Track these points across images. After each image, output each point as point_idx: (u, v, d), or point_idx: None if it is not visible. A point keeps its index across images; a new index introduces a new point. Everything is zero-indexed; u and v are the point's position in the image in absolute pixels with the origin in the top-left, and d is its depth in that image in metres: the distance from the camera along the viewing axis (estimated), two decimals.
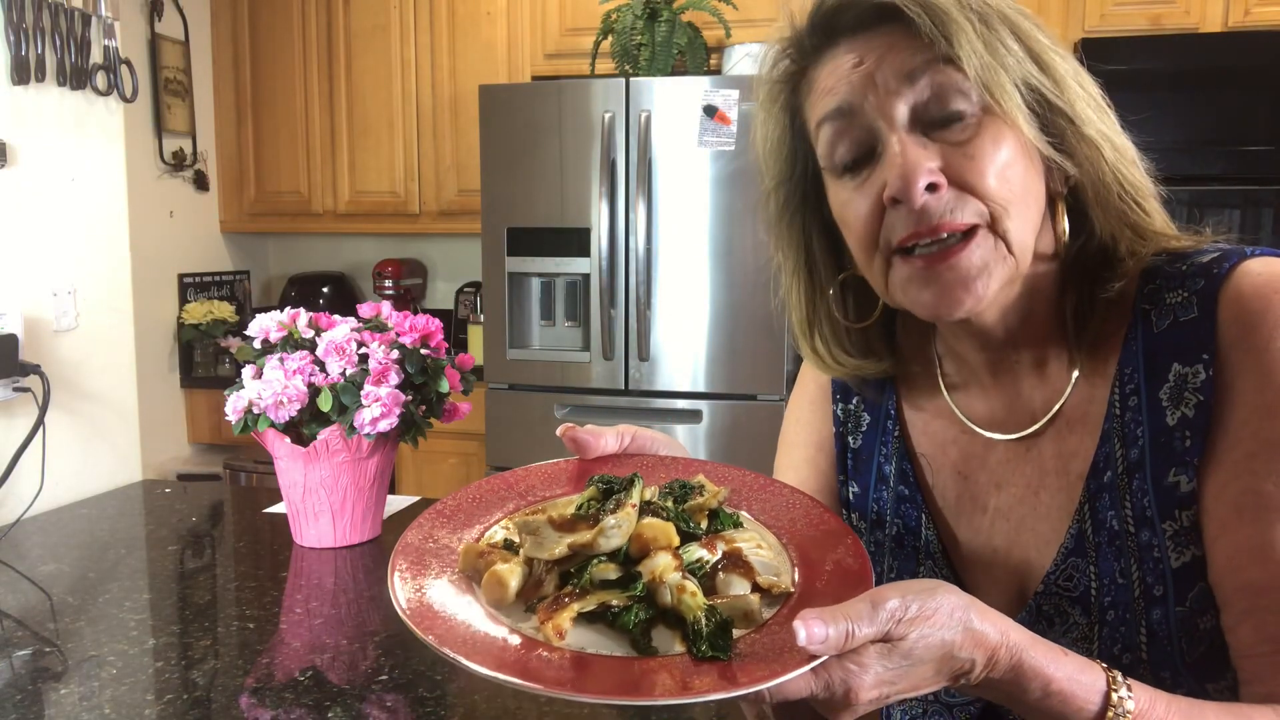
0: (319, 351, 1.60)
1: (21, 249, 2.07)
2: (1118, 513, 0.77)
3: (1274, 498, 0.70)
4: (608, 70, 3.37)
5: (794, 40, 0.82)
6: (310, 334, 1.64)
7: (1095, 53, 3.02)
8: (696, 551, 0.67)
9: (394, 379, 1.59)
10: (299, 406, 1.57)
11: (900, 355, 0.93)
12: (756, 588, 0.66)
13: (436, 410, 1.68)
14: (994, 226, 0.73)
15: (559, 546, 0.65)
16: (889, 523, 0.92)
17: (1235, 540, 0.71)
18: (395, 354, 1.61)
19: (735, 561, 0.67)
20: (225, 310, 3.86)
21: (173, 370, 3.85)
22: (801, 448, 1.01)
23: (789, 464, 1.02)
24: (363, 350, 1.61)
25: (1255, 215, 3.05)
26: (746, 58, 3.25)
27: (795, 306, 0.90)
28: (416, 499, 2.03)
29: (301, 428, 1.61)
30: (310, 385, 1.58)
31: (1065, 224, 0.79)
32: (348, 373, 1.59)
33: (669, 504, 0.72)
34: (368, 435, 1.59)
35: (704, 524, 0.72)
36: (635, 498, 0.69)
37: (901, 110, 0.74)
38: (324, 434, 1.59)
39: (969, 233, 0.73)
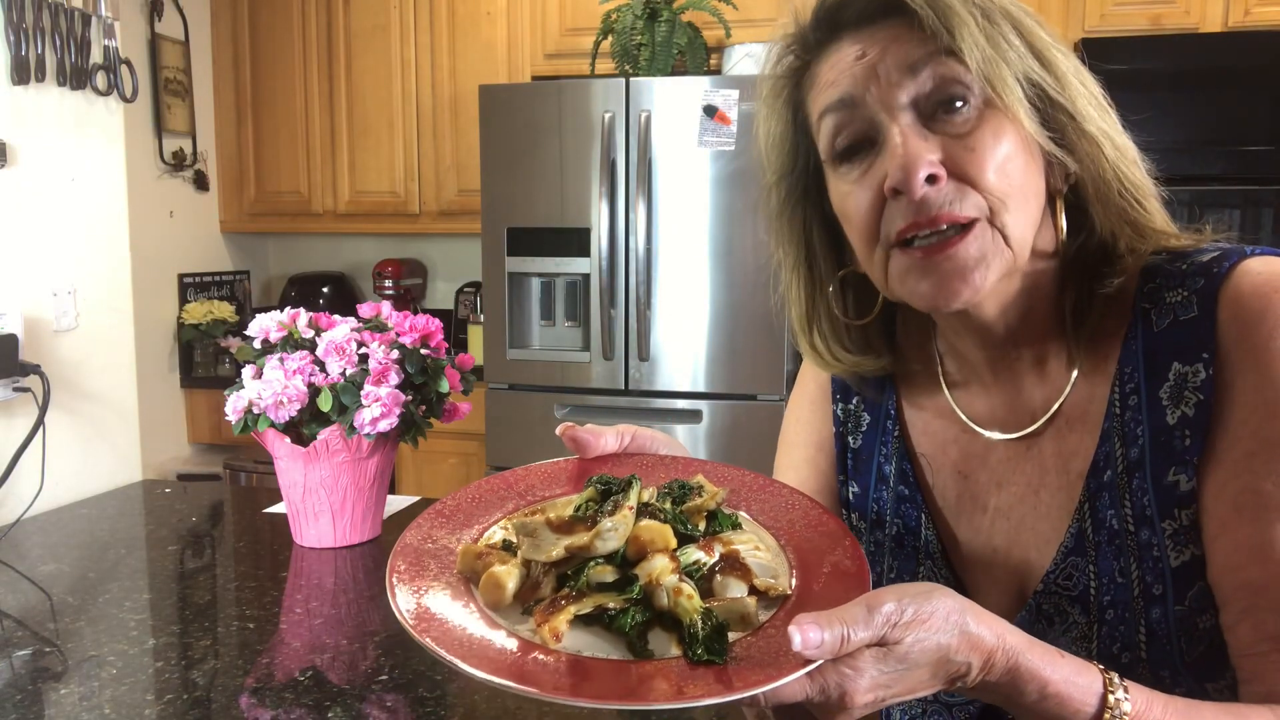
0: (319, 351, 1.60)
1: (21, 249, 2.07)
2: (1117, 512, 0.77)
3: (1273, 497, 0.70)
4: (608, 70, 3.37)
5: (797, 36, 0.82)
6: (310, 334, 1.64)
7: (1095, 53, 3.02)
8: (694, 554, 0.67)
9: (394, 379, 1.59)
10: (299, 406, 1.57)
11: (900, 354, 0.93)
12: (754, 590, 0.66)
13: (436, 410, 1.68)
14: (993, 219, 0.73)
15: (556, 549, 0.65)
16: (889, 523, 0.92)
17: (1234, 539, 0.71)
18: (395, 354, 1.61)
19: (732, 564, 0.67)
20: (225, 310, 3.86)
21: (173, 370, 3.85)
22: (801, 448, 1.01)
23: (789, 464, 1.02)
24: (363, 350, 1.61)
25: (1255, 215, 3.05)
26: (746, 58, 3.25)
27: (795, 302, 0.90)
28: (416, 499, 2.03)
29: (301, 428, 1.61)
30: (310, 385, 1.58)
31: (1064, 221, 0.79)
32: (348, 373, 1.59)
33: (667, 505, 0.72)
34: (368, 435, 1.59)
35: (702, 525, 0.72)
36: (633, 500, 0.68)
37: (903, 102, 0.74)
38: (324, 434, 1.59)
39: (967, 225, 0.73)
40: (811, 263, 0.88)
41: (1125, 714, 0.64)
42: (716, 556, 0.68)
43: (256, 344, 1.65)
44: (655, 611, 0.63)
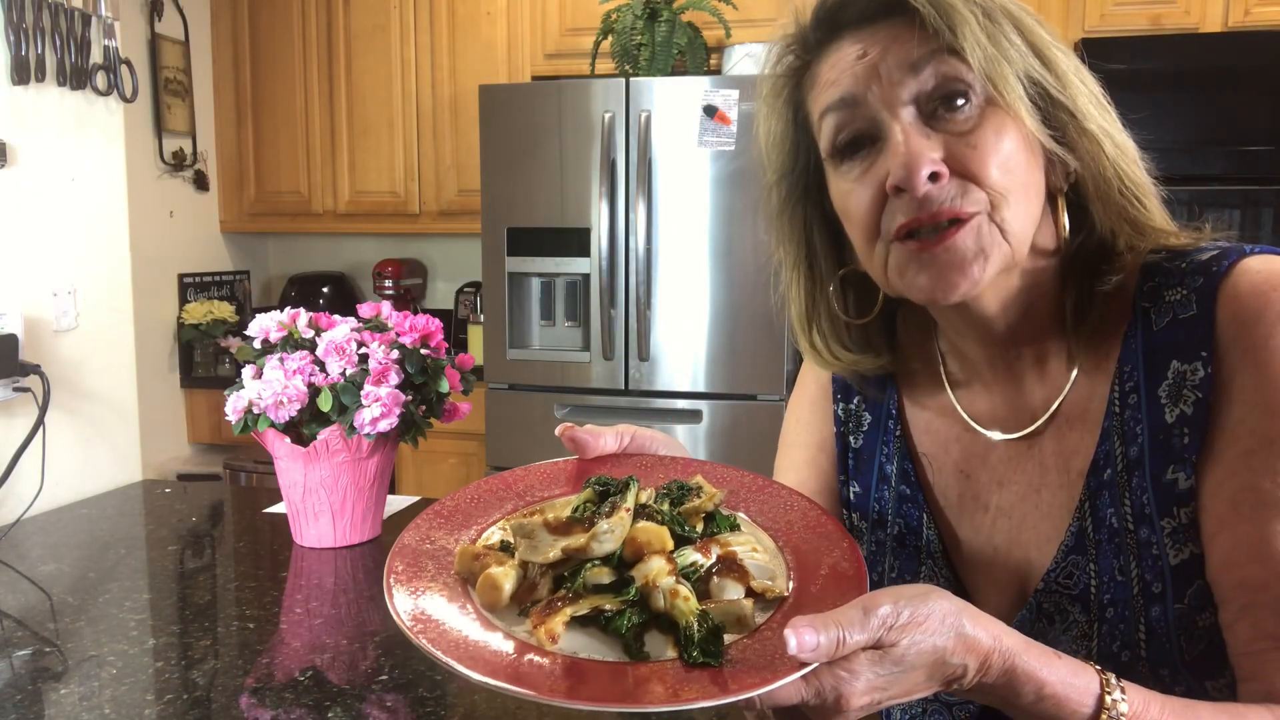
0: (319, 351, 1.60)
1: (21, 249, 2.08)
2: (1117, 510, 0.77)
3: (1271, 495, 0.70)
4: (608, 70, 3.37)
5: (798, 35, 0.82)
6: (310, 334, 1.64)
7: (1095, 52, 3.02)
8: (691, 555, 0.67)
9: (394, 379, 1.59)
10: (299, 406, 1.57)
11: (901, 353, 0.93)
12: (750, 592, 0.66)
13: (436, 410, 1.68)
14: (992, 214, 0.73)
15: (553, 550, 0.65)
16: (890, 522, 0.92)
17: (1233, 537, 0.71)
18: (395, 354, 1.61)
19: (730, 565, 0.67)
20: (225, 310, 3.86)
21: (173, 370, 3.85)
22: (802, 448, 1.01)
23: (789, 464, 1.02)
24: (363, 350, 1.61)
25: (1255, 215, 3.05)
26: (746, 58, 3.25)
27: (795, 301, 0.90)
28: (416, 499, 2.03)
29: (301, 428, 1.61)
30: (310, 385, 1.58)
31: (1066, 219, 0.79)
32: (348, 373, 1.59)
33: (665, 507, 0.72)
34: (368, 435, 1.59)
35: (700, 527, 0.72)
36: (630, 501, 0.68)
37: (905, 100, 0.74)
38: (324, 434, 1.59)
39: (966, 218, 0.73)
40: (812, 261, 0.88)
41: (1122, 714, 0.65)
42: (714, 558, 0.68)
43: (256, 344, 1.65)
44: (652, 613, 0.63)
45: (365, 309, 1.70)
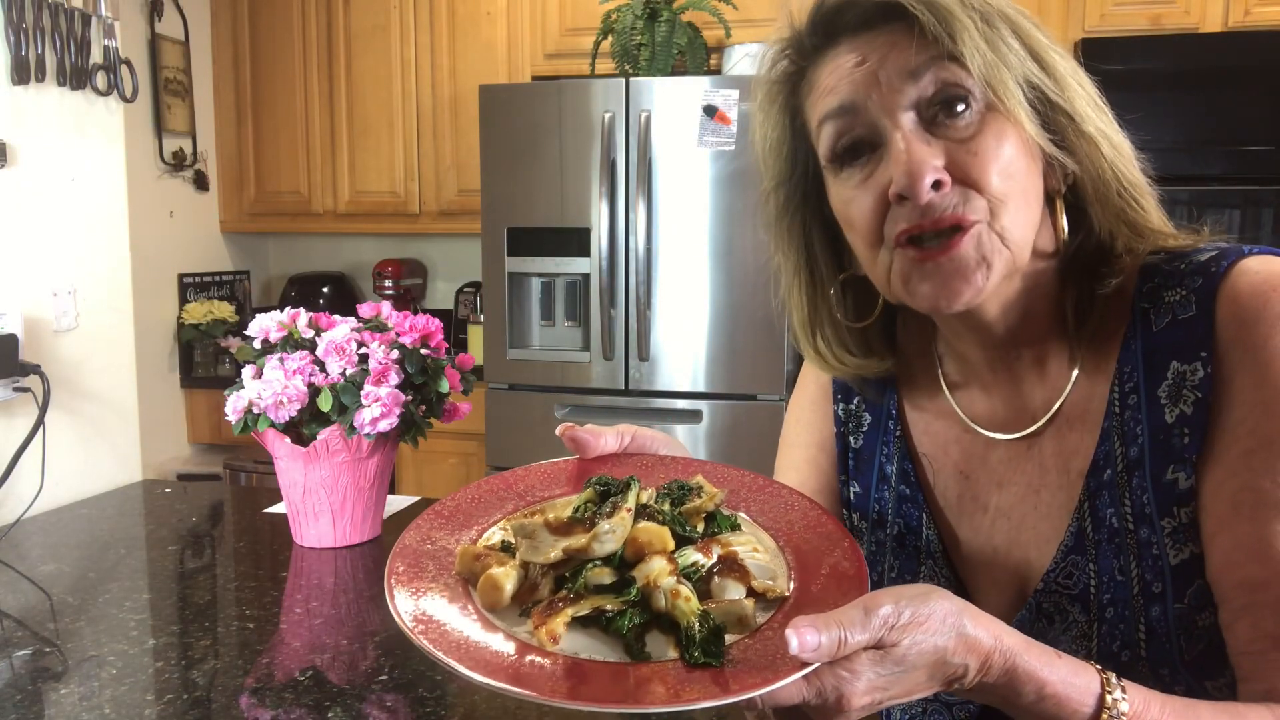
0: (319, 351, 1.60)
1: (21, 249, 2.08)
2: (1117, 510, 0.77)
3: (1271, 495, 0.70)
4: (608, 70, 3.37)
5: (793, 40, 0.82)
6: (310, 334, 1.64)
7: (1095, 53, 3.03)
8: (692, 555, 0.67)
9: (394, 379, 1.59)
10: (299, 406, 1.57)
11: (902, 355, 0.93)
12: (752, 592, 0.66)
13: (436, 410, 1.68)
14: (993, 221, 0.73)
15: (554, 551, 0.65)
16: (890, 523, 0.92)
17: (1233, 537, 0.71)
18: (395, 354, 1.61)
19: (731, 565, 0.67)
20: (225, 310, 3.86)
21: (173, 370, 3.85)
22: (802, 448, 1.01)
23: (790, 463, 1.02)
24: (363, 350, 1.61)
25: (1255, 215, 3.05)
26: (746, 58, 3.25)
27: (797, 307, 0.90)
28: (416, 499, 2.03)
29: (301, 428, 1.61)
30: (310, 385, 1.58)
31: (1065, 221, 0.79)
32: (348, 373, 1.59)
33: (665, 507, 0.72)
34: (368, 435, 1.59)
35: (701, 527, 0.72)
36: (631, 501, 0.68)
37: (905, 107, 0.74)
38: (324, 434, 1.59)
39: (968, 226, 0.73)
40: (812, 267, 0.88)
41: (1123, 714, 0.65)
42: (715, 558, 0.68)
43: (256, 344, 1.65)
44: (653, 613, 0.63)
45: (365, 309, 1.70)
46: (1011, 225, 0.74)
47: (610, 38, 3.34)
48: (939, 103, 0.74)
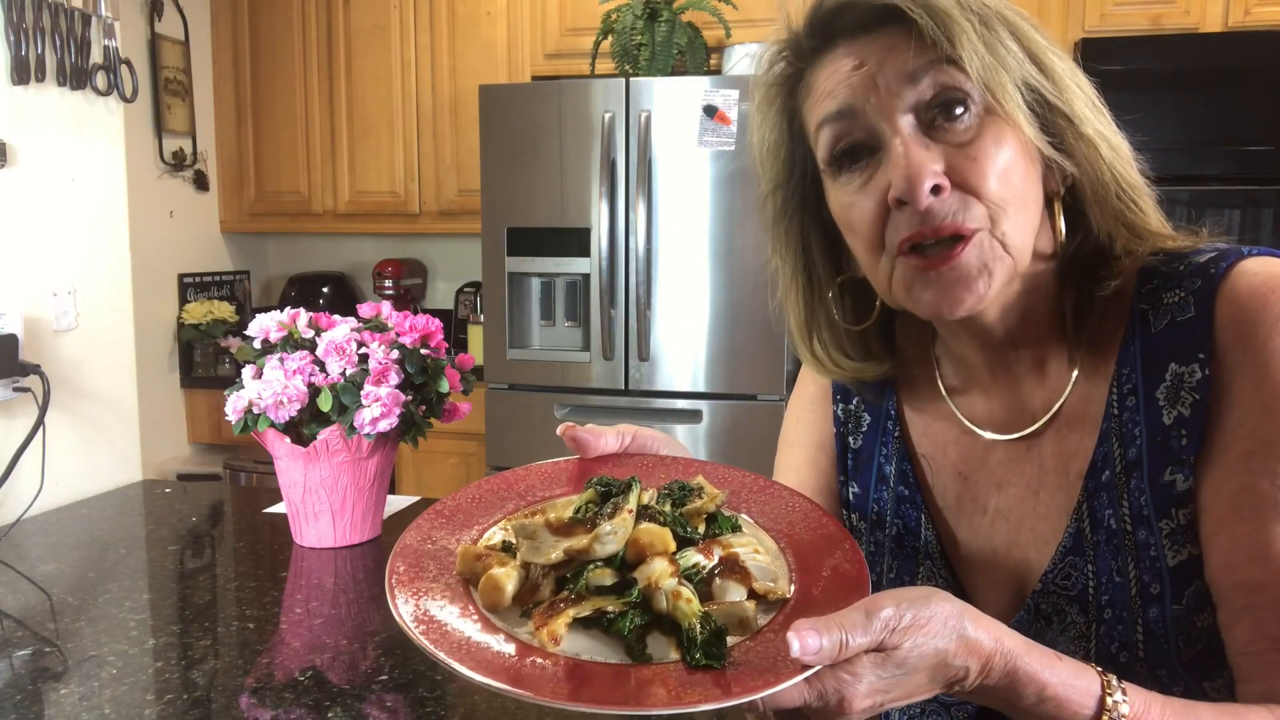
0: (319, 351, 1.60)
1: (21, 249, 2.08)
2: (1115, 511, 0.78)
3: (1270, 496, 0.70)
4: (608, 70, 3.37)
5: (790, 42, 0.82)
6: (310, 334, 1.64)
7: (1095, 53, 3.03)
8: (693, 557, 0.67)
9: (394, 379, 1.59)
10: (299, 406, 1.57)
11: (900, 357, 0.93)
12: (753, 594, 0.66)
13: (436, 410, 1.68)
14: (994, 228, 0.73)
15: (555, 552, 0.65)
16: (889, 523, 0.92)
17: (1232, 538, 0.71)
18: (395, 354, 1.61)
19: (732, 567, 0.67)
20: (225, 310, 3.86)
21: (173, 370, 3.85)
22: (802, 448, 1.01)
23: (789, 464, 1.02)
24: (363, 350, 1.61)
25: (1255, 215, 3.05)
26: (746, 58, 3.25)
27: (794, 310, 0.90)
28: (416, 499, 2.03)
29: (301, 428, 1.61)
30: (310, 385, 1.58)
31: (1063, 223, 0.79)
32: (348, 373, 1.59)
33: (666, 508, 0.72)
34: (368, 435, 1.59)
35: (702, 528, 0.72)
36: (632, 502, 0.69)
37: (904, 111, 0.74)
38: (324, 434, 1.59)
39: (969, 234, 0.73)
40: (810, 270, 0.88)
41: (1123, 716, 0.65)
42: (716, 560, 0.68)
43: (256, 344, 1.65)
44: (654, 615, 0.63)
45: (365, 309, 1.70)
46: (1012, 231, 0.74)
47: (610, 38, 3.34)
48: (937, 106, 0.73)
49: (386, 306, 1.70)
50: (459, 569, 0.68)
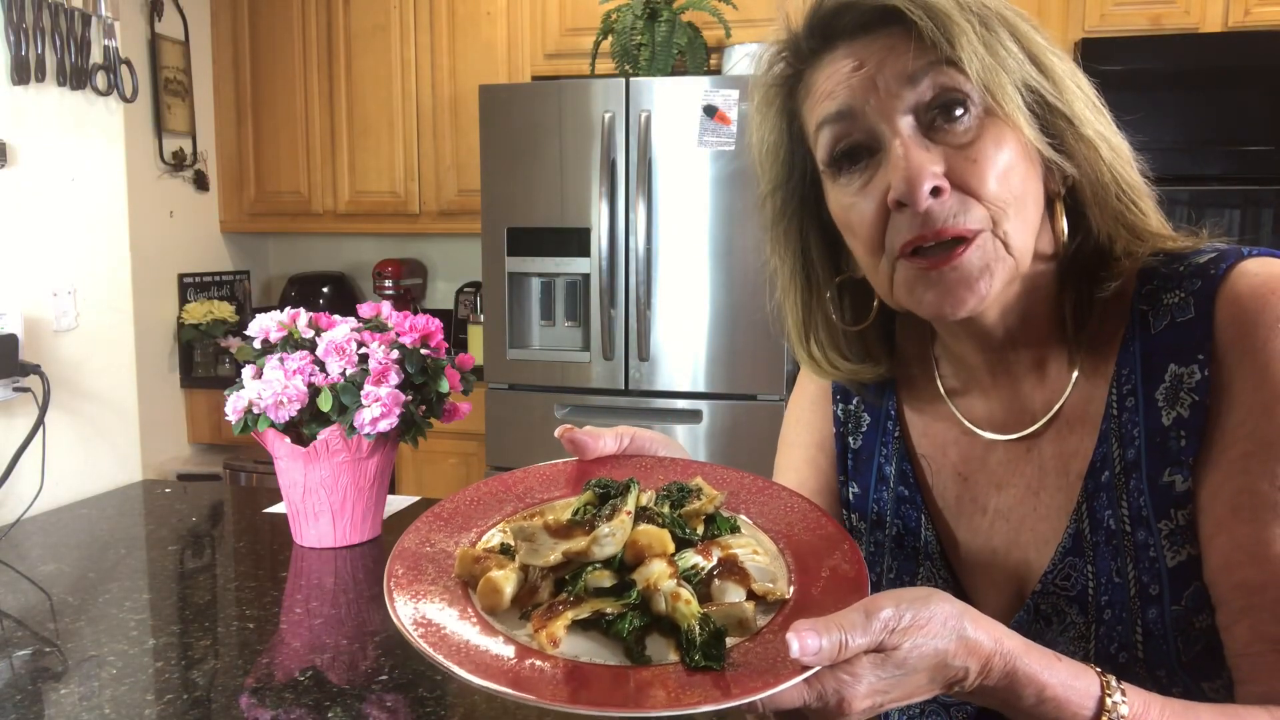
0: (319, 351, 1.60)
1: (21, 249, 2.08)
2: (1114, 512, 0.78)
3: (1269, 497, 0.70)
4: (608, 70, 3.37)
5: (790, 43, 0.81)
6: (310, 334, 1.64)
7: (1095, 53, 3.03)
8: (692, 558, 0.67)
9: (394, 379, 1.59)
10: (299, 406, 1.57)
11: (900, 358, 0.93)
12: (752, 595, 0.66)
13: (436, 410, 1.68)
14: (995, 229, 0.73)
15: (554, 554, 0.65)
16: (889, 523, 0.92)
17: (1231, 539, 0.71)
18: (395, 354, 1.61)
19: (731, 568, 0.67)
20: (225, 310, 3.87)
21: (173, 370, 3.85)
22: (802, 447, 1.01)
23: (789, 464, 1.02)
24: (363, 350, 1.61)
25: (1255, 215, 3.05)
26: (746, 58, 3.25)
27: (791, 311, 0.90)
28: (416, 499, 2.03)
29: (301, 428, 1.61)
30: (310, 385, 1.58)
31: (1064, 224, 0.79)
32: (348, 373, 1.59)
33: (665, 509, 0.72)
34: (368, 435, 1.59)
35: (700, 529, 0.72)
36: (630, 504, 0.68)
37: (903, 112, 0.74)
38: (324, 434, 1.59)
39: (970, 235, 0.73)
40: (809, 270, 0.88)
41: (1122, 717, 0.65)
42: (715, 561, 0.68)
43: (256, 344, 1.65)
44: (653, 617, 0.63)
45: (365, 309, 1.70)
46: (1013, 232, 0.74)
47: (610, 38, 3.34)
48: (937, 107, 0.73)
49: (386, 306, 1.70)
50: (458, 571, 0.68)
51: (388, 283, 3.96)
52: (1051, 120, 0.75)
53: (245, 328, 1.71)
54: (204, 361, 3.87)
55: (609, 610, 0.63)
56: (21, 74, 2.04)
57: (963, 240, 0.73)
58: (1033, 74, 0.74)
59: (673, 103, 3.01)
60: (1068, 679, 0.65)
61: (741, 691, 0.57)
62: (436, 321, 1.69)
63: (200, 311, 3.80)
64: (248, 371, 1.63)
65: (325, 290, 4.12)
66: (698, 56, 3.32)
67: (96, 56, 2.23)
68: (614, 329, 3.13)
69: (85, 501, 2.04)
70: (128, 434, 2.34)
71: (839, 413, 0.98)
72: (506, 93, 3.18)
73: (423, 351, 1.65)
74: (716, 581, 0.66)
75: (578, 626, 0.63)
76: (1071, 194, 0.78)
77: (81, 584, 1.56)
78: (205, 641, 1.35)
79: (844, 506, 0.98)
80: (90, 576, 1.59)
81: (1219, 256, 0.76)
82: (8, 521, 1.87)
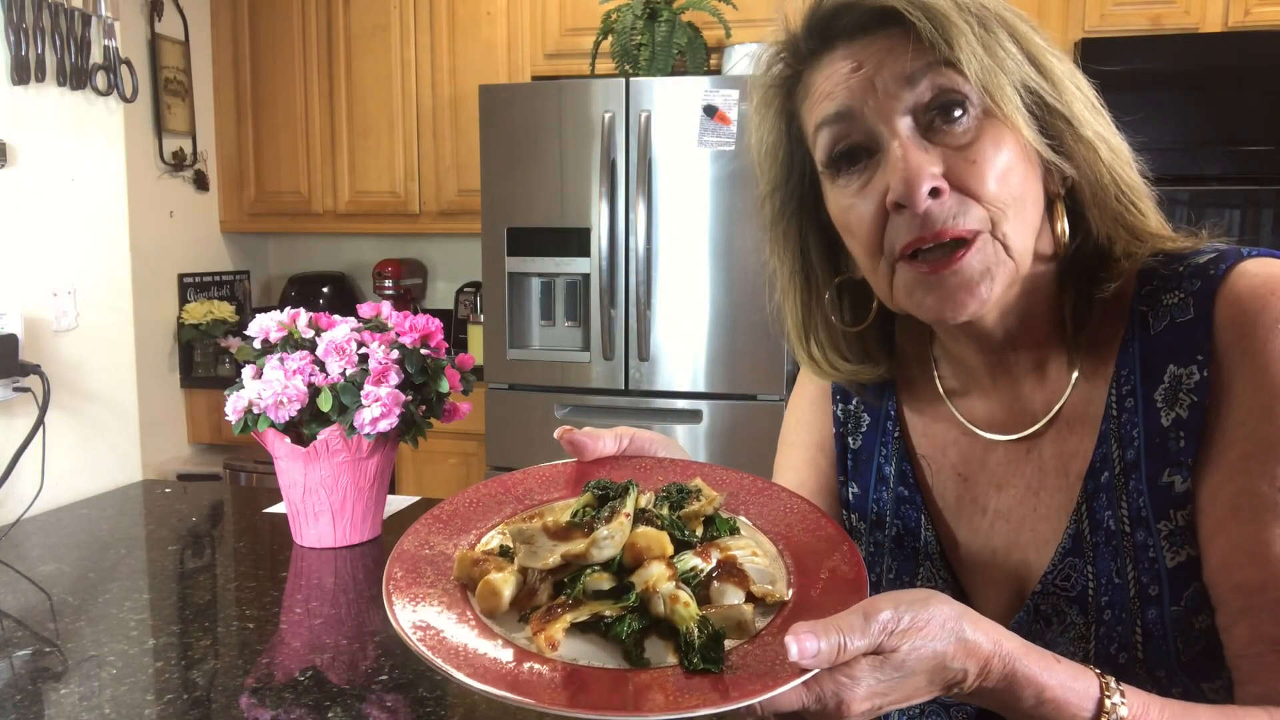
0: (319, 351, 1.60)
1: (21, 249, 2.08)
2: (1114, 513, 0.78)
3: (1269, 498, 0.70)
4: (608, 70, 3.37)
5: (789, 44, 0.81)
6: (310, 334, 1.65)
7: (1095, 53, 3.03)
8: (691, 560, 0.67)
9: (394, 379, 1.59)
10: (299, 406, 1.57)
11: (900, 358, 0.93)
12: (751, 597, 0.66)
13: (436, 410, 1.68)
14: (994, 231, 0.73)
15: (552, 556, 0.64)
16: (889, 524, 0.92)
17: (1231, 540, 0.71)
18: (395, 354, 1.61)
19: (730, 570, 0.67)
20: (225, 310, 3.87)
21: (173, 370, 3.85)
22: (802, 448, 1.01)
23: (789, 464, 1.02)
24: (363, 350, 1.61)
25: (1255, 215, 3.05)
26: (746, 58, 3.25)
27: (791, 312, 0.90)
28: (416, 499, 2.03)
29: (301, 428, 1.61)
30: (310, 385, 1.58)
31: (1064, 225, 0.79)
32: (348, 373, 1.59)
33: (664, 511, 0.71)
34: (368, 435, 1.59)
35: (700, 531, 0.72)
36: (629, 506, 0.68)
37: (902, 113, 0.74)
38: (324, 434, 1.59)
39: (970, 238, 0.73)
40: (808, 271, 0.88)
41: (1122, 718, 0.65)
42: (714, 563, 0.68)
43: (256, 344, 1.65)
44: (652, 619, 0.63)
45: (365, 309, 1.70)
46: (1013, 233, 0.74)
47: (610, 38, 3.34)
48: (936, 108, 0.73)
49: (386, 306, 1.70)
50: (456, 574, 0.68)
51: (388, 283, 3.96)
52: (1050, 121, 0.75)
53: (245, 328, 1.71)
54: (204, 361, 3.88)
55: (608, 613, 0.63)
56: (21, 74, 2.04)
57: (962, 243, 0.72)
58: (1031, 75, 0.74)
59: (673, 103, 3.01)
60: (1067, 680, 0.65)
61: (740, 694, 0.57)
62: (436, 321, 1.69)
63: (200, 311, 3.80)
64: (248, 371, 1.63)
65: (325, 290, 4.12)
66: (698, 56, 3.32)
67: (96, 56, 2.23)
68: (614, 329, 3.13)
69: (85, 501, 2.04)
70: (128, 434, 2.34)
71: (839, 413, 0.98)
72: (506, 93, 3.18)
73: (423, 351, 1.65)
74: (715, 583, 0.66)
75: (576, 629, 0.63)
76: (1071, 195, 0.78)
77: (81, 584, 1.56)
78: (205, 641, 1.35)
79: (844, 507, 0.98)
80: (90, 576, 1.59)
81: (1218, 257, 0.76)
82: (8, 521, 1.87)
